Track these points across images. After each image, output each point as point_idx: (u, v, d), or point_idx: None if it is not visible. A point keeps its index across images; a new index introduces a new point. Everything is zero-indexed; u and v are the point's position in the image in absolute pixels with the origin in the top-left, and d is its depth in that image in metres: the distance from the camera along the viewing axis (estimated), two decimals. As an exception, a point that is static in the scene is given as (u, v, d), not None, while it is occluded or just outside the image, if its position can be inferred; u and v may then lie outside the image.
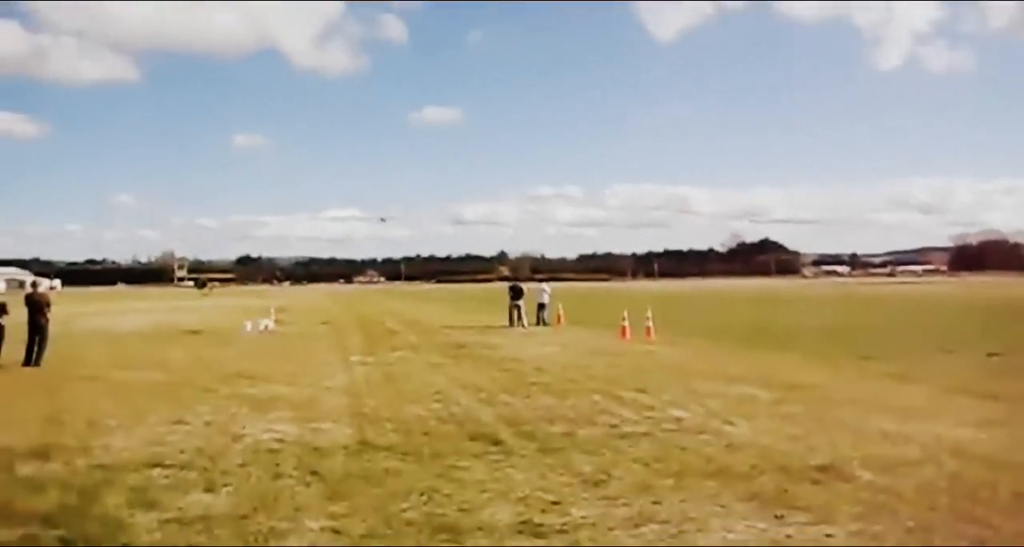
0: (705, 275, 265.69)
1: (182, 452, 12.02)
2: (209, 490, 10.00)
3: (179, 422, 14.48)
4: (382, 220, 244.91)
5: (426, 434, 13.17)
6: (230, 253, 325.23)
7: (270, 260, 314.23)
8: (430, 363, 23.80)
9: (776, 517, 8.79)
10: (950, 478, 10.14)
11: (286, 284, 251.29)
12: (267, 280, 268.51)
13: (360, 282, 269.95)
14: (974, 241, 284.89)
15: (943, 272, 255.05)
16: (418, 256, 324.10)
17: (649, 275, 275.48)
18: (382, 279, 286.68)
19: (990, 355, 23.81)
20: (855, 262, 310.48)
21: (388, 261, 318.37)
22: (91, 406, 16.28)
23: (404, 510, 9.13)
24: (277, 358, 25.37)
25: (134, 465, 11.26)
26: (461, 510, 9.14)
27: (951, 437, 12.41)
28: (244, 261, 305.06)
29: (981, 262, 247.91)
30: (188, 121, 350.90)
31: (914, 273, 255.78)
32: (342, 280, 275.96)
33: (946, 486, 9.80)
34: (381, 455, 11.71)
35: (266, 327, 38.13)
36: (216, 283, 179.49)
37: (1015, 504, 9.16)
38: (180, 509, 9.26)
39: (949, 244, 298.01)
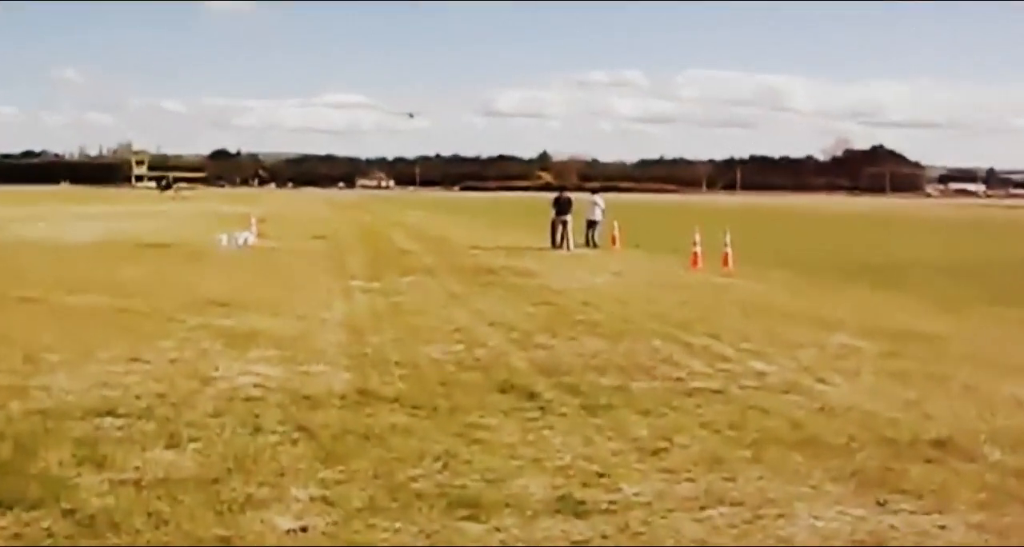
0: (801, 189, 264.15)
1: (139, 397, 12.12)
2: (172, 446, 10.09)
3: (136, 360, 14.60)
4: (410, 116, 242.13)
5: (443, 383, 13.25)
6: (202, 146, 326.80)
7: (252, 156, 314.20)
8: (450, 292, 23.88)
9: (878, 503, 8.80)
10: (1101, 459, 10.11)
11: (272, 186, 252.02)
12: (248, 181, 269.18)
13: (365, 186, 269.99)
14: None
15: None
16: (438, 156, 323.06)
17: (730, 187, 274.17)
18: (392, 183, 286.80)
19: None
20: (993, 179, 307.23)
21: (400, 161, 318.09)
22: (28, 336, 16.41)
23: (414, 479, 9.19)
24: (259, 281, 25.52)
25: (81, 412, 11.36)
26: (485, 480, 9.19)
27: (1105, 407, 12.37)
28: (220, 156, 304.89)
29: None
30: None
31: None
32: (342, 183, 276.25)
33: (1095, 469, 9.78)
34: (386, 408, 11.78)
35: (246, 241, 38.32)
36: (184, 184, 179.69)
37: None
38: (136, 469, 9.34)
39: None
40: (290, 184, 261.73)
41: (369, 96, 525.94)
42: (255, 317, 19.07)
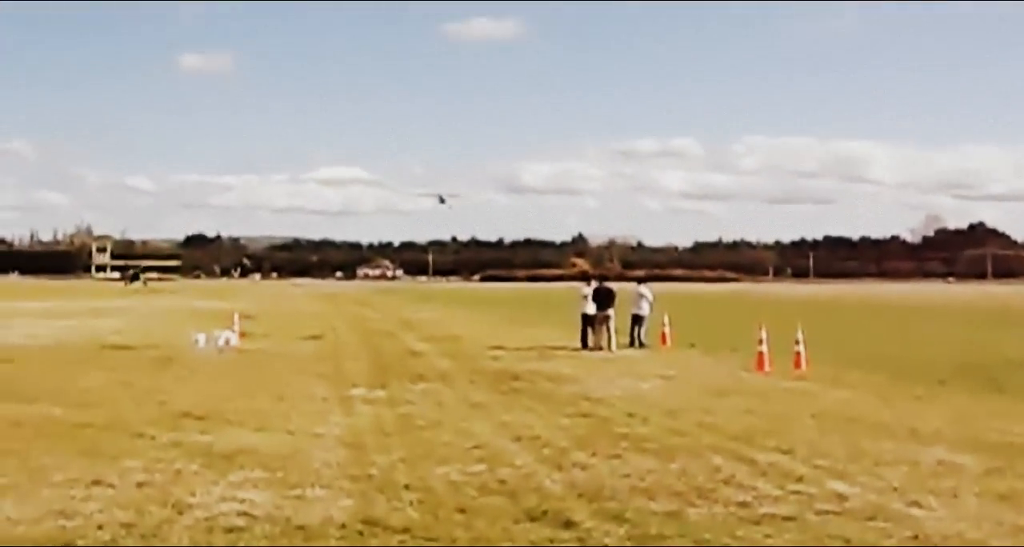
0: (885, 276, 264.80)
1: (101, 528, 12.15)
2: (141, 586, 10.11)
3: (98, 483, 14.63)
4: (441, 201, 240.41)
5: (462, 511, 13.23)
6: (175, 230, 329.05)
7: (233, 241, 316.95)
8: (469, 402, 23.89)
9: None
10: None
11: (257, 277, 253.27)
12: (229, 271, 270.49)
13: (368, 276, 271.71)
14: None
15: None
16: (454, 240, 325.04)
17: (801, 274, 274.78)
18: (400, 273, 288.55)
19: None
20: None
21: (409, 246, 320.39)
22: (-31, 456, 16.48)
23: (429, 624, 9.18)
24: (243, 389, 25.58)
25: (32, 546, 11.39)
26: (513, 626, 9.18)
27: None
28: (195, 242, 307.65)
29: None
30: (116, 33, 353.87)
31: None
32: (340, 273, 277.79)
33: None
34: (394, 540, 11.79)
35: (227, 342, 38.40)
36: (154, 274, 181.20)
37: None
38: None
39: None
40: (275, 274, 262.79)
41: (369, 170, 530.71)
42: (238, 432, 19.10)
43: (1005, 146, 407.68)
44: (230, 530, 12.13)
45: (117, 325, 52.66)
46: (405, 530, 12.17)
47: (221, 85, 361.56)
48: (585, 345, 39.38)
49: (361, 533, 12.06)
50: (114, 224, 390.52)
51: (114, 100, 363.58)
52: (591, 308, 40.15)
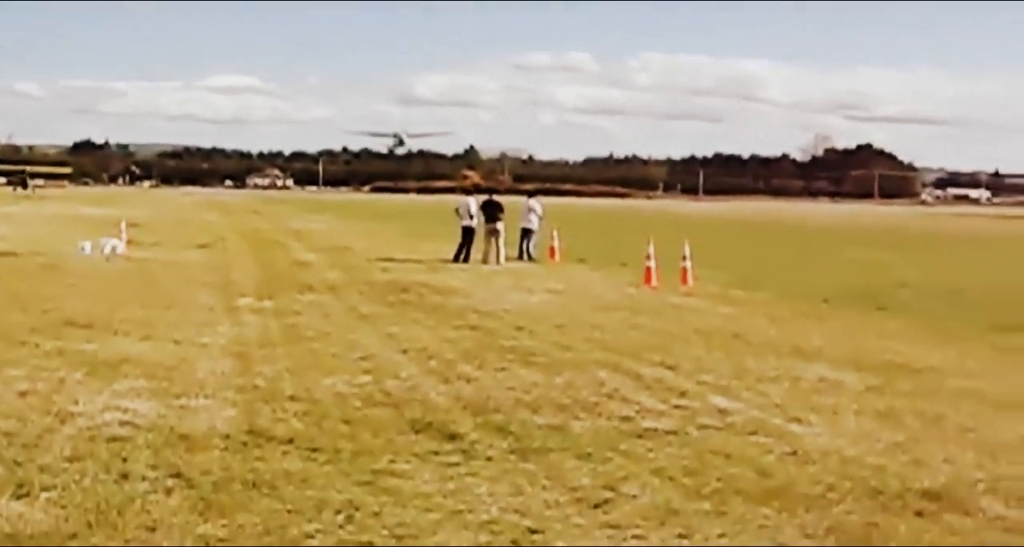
0: (775, 194, 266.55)
1: (-18, 436, 12.05)
2: (22, 495, 10.01)
3: (-22, 390, 14.51)
4: (400, 142, 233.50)
5: (347, 422, 13.24)
6: (63, 136, 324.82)
7: (123, 148, 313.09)
8: (357, 313, 23.88)
9: (860, 564, 8.90)
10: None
11: (147, 185, 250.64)
12: (119, 178, 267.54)
13: (258, 186, 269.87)
14: None
15: None
16: (346, 150, 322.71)
17: (691, 191, 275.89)
18: (291, 182, 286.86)
19: None
20: (998, 184, 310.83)
21: (300, 156, 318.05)
22: None
23: (310, 535, 9.17)
24: (129, 297, 25.39)
25: (-90, 453, 11.29)
26: (395, 537, 9.19)
27: (1125, 452, 12.53)
28: (84, 148, 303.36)
29: None
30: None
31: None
32: (231, 182, 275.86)
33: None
34: (279, 451, 11.77)
35: (114, 250, 38.07)
36: (42, 181, 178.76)
37: None
38: (-24, 523, 9.29)
39: None
40: (173, 182, 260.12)
41: (262, 78, 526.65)
42: (123, 341, 18.98)
43: (897, 69, 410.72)
44: (113, 439, 12.03)
45: (2, 231, 51.95)
46: (289, 441, 12.15)
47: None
48: (461, 259, 39.20)
49: (245, 444, 12.02)
50: (1, 129, 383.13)
51: (3, 4, 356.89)
52: (470, 221, 40.05)
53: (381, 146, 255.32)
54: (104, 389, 14.80)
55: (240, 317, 22.78)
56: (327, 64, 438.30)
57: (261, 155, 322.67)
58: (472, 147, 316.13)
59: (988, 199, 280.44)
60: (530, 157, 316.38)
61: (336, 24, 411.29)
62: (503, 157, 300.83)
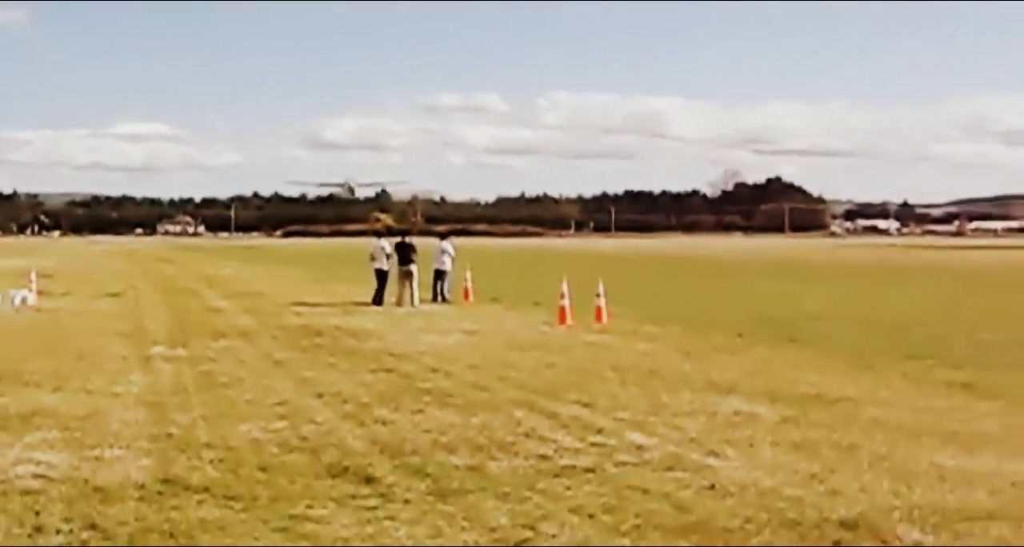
0: (687, 229, 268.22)
1: None
2: (-68, 554, 9.91)
3: None
4: (351, 192, 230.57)
5: (263, 468, 13.19)
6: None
7: (31, 197, 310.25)
8: (271, 359, 23.78)
9: (779, 596, 8.95)
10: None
11: (55, 235, 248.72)
12: (27, 228, 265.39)
13: (169, 233, 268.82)
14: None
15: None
16: (256, 195, 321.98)
17: (604, 228, 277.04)
18: (202, 229, 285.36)
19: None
20: (907, 214, 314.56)
21: (211, 202, 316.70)
22: None
23: (228, 583, 9.14)
24: (40, 349, 25.16)
25: None
26: (314, 583, 9.17)
27: (1038, 479, 12.68)
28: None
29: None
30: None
31: (991, 232, 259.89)
32: (141, 230, 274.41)
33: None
34: (194, 500, 11.69)
35: (24, 300, 37.75)
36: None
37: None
38: None
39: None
40: (82, 232, 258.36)
41: (171, 125, 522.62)
42: (35, 393, 18.80)
43: (804, 103, 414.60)
44: (26, 492, 11.94)
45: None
46: (205, 489, 12.09)
47: (17, 37, 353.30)
48: (376, 302, 39.15)
49: (160, 493, 11.95)
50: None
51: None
52: (383, 264, 40.08)
53: (328, 193, 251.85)
54: (15, 442, 14.67)
55: (153, 365, 22.62)
56: (235, 109, 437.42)
57: (172, 202, 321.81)
58: (384, 190, 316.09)
59: (897, 229, 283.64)
60: (442, 198, 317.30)
61: (243, 69, 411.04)
62: (414, 199, 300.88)
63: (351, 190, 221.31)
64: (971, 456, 13.88)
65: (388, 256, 40.10)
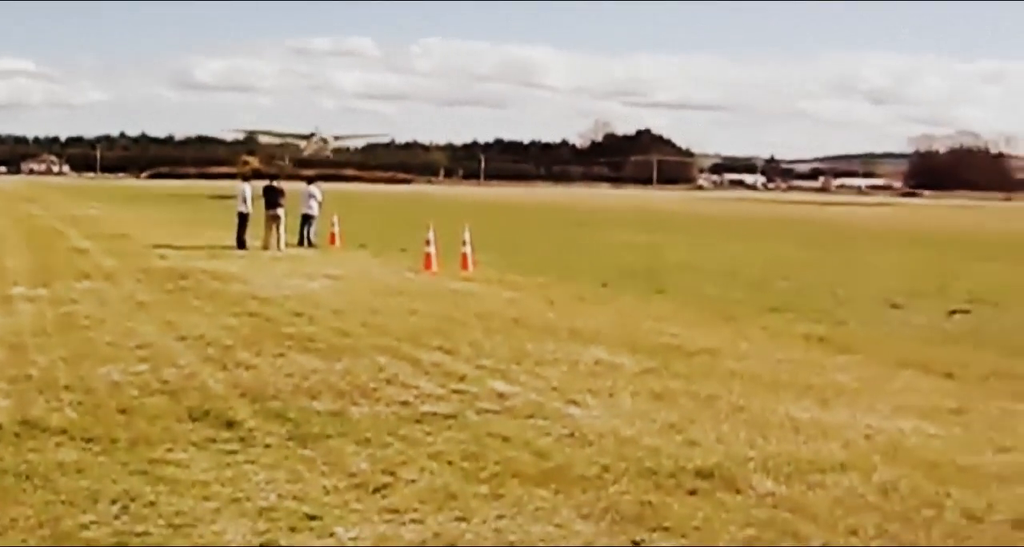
0: (555, 179, 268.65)
1: None
2: None
3: None
4: (323, 141, 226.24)
5: (123, 411, 13.10)
6: None
7: None
8: (134, 301, 23.58)
9: (634, 543, 9.04)
10: (882, 490, 10.56)
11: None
12: None
13: (34, 171, 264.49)
14: (941, 147, 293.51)
15: (896, 189, 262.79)
16: (123, 135, 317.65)
17: (472, 176, 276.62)
18: (67, 169, 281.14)
19: (952, 313, 24.77)
20: (773, 169, 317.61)
21: (76, 141, 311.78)
22: None
23: (85, 526, 9.07)
24: None
25: None
26: (172, 527, 9.13)
27: (889, 431, 12.93)
28: None
29: (950, 177, 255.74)
30: None
31: (855, 189, 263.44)
32: (4, 168, 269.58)
33: (876, 501, 10.22)
34: (52, 442, 11.61)
35: None
36: None
37: (971, 531, 9.61)
38: None
39: (907, 150, 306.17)
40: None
41: (37, 62, 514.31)
42: None
43: (676, 56, 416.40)
44: None
45: None
46: (63, 431, 11.99)
47: None
48: (240, 245, 38.92)
49: (18, 435, 11.84)
50: None
51: None
52: (245, 207, 39.84)
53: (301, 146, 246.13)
54: None
55: (13, 306, 22.35)
56: (103, 47, 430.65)
57: (36, 140, 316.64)
58: (252, 133, 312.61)
59: (763, 184, 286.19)
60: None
61: (112, 6, 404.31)
62: (284, 143, 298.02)
63: (324, 140, 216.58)
64: (826, 408, 14.13)
65: (249, 200, 39.83)
